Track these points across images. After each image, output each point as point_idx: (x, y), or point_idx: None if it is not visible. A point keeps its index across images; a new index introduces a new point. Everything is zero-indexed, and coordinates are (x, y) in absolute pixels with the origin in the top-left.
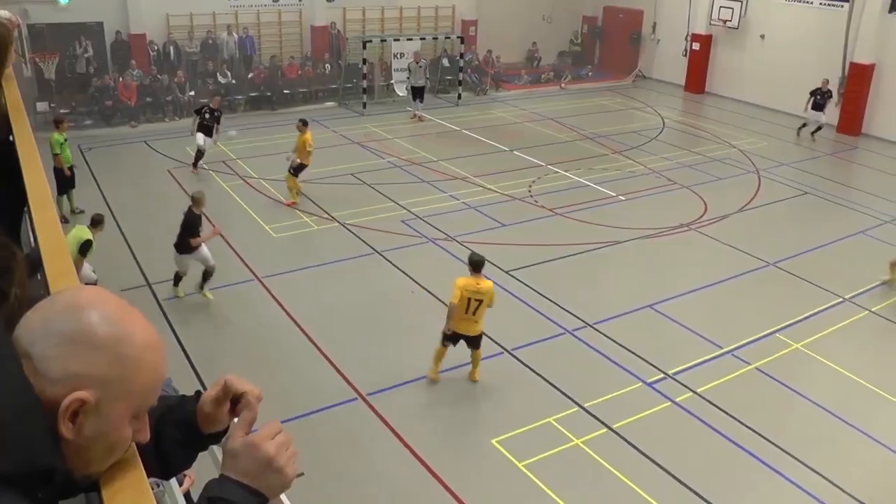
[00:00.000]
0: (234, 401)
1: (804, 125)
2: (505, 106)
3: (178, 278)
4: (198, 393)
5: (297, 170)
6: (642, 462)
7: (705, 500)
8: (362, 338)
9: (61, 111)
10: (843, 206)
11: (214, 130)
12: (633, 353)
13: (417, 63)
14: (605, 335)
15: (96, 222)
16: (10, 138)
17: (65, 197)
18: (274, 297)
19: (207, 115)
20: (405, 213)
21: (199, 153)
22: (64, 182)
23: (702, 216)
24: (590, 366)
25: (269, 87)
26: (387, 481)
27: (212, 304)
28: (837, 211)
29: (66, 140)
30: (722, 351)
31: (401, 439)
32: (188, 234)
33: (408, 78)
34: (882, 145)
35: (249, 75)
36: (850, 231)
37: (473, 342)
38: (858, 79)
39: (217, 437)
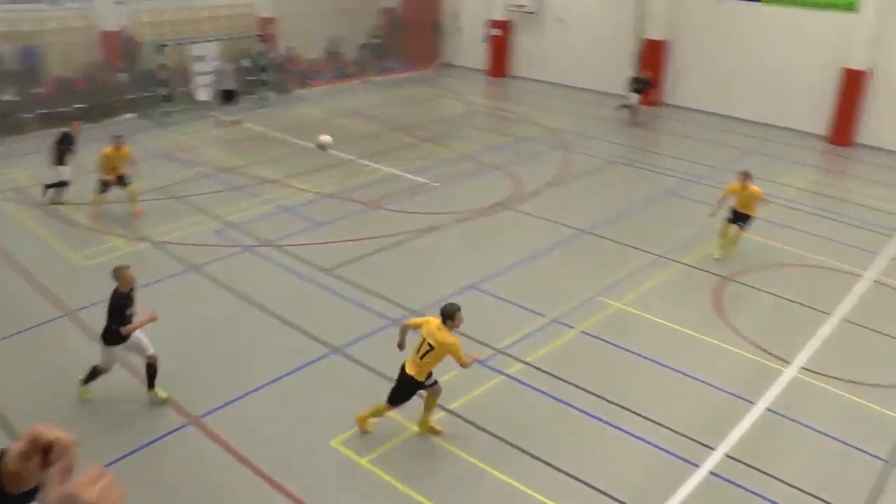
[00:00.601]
0: (46, 451)
1: (625, 106)
2: (311, 103)
3: (93, 375)
4: (1, 452)
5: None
6: (484, 438)
7: (551, 465)
8: (186, 358)
9: None
10: (651, 171)
11: (69, 159)
12: (461, 334)
13: (224, 65)
14: None
15: None
16: None
17: None
18: (85, 331)
19: (68, 143)
20: (219, 224)
21: (61, 185)
22: None
23: (516, 194)
24: None
25: (59, 101)
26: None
27: (16, 349)
28: (645, 176)
29: None
30: (547, 320)
31: (239, 457)
32: (117, 321)
33: (214, 82)
34: (684, 113)
35: (34, 90)
36: (658, 193)
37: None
38: (654, 54)
39: (30, 496)
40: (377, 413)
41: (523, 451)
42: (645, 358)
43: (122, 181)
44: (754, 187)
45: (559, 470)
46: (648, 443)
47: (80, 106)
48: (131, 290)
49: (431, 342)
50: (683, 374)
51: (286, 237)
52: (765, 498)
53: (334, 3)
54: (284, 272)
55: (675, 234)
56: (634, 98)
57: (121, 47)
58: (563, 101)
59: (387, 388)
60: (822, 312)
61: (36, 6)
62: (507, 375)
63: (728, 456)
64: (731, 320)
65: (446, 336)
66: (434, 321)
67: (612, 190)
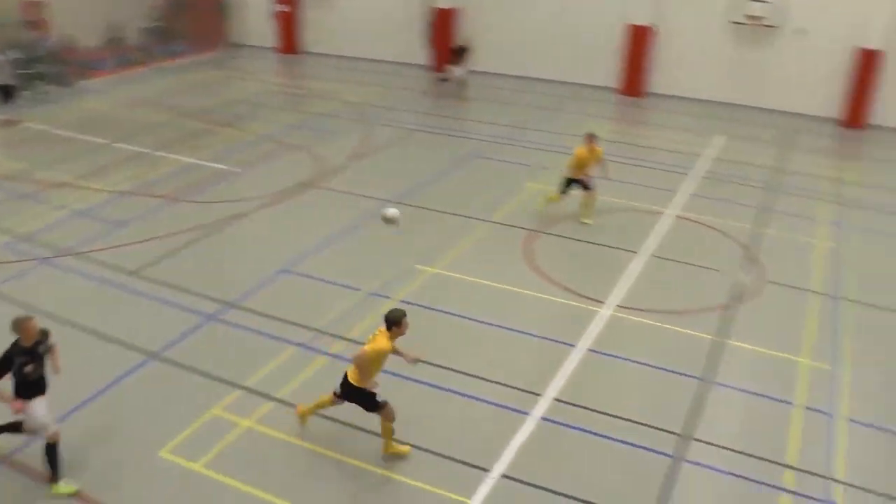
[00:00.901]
0: None
1: (445, 79)
2: (96, 95)
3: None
4: None
5: None
6: (318, 422)
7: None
8: None
9: None
10: (452, 136)
11: None
12: (280, 319)
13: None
14: (248, 310)
15: None
16: None
17: None
18: None
19: None
20: (8, 237)
21: None
22: None
23: (320, 172)
24: (239, 345)
25: None
26: None
27: None
28: (448, 141)
29: None
30: (364, 293)
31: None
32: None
33: None
34: (483, 77)
35: None
36: (461, 156)
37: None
38: (446, 21)
39: None
40: (322, 405)
41: (359, 429)
42: (466, 318)
43: None
44: (599, 149)
45: (401, 442)
46: (480, 399)
47: None
48: (36, 343)
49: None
50: (505, 328)
51: (85, 243)
52: (596, 433)
53: None
54: (87, 281)
55: (481, 194)
56: (458, 71)
57: None
58: (360, 74)
59: (212, 385)
60: (630, 252)
61: None
62: (330, 355)
63: (557, 400)
64: (544, 271)
65: (380, 340)
66: (381, 328)
67: (416, 158)
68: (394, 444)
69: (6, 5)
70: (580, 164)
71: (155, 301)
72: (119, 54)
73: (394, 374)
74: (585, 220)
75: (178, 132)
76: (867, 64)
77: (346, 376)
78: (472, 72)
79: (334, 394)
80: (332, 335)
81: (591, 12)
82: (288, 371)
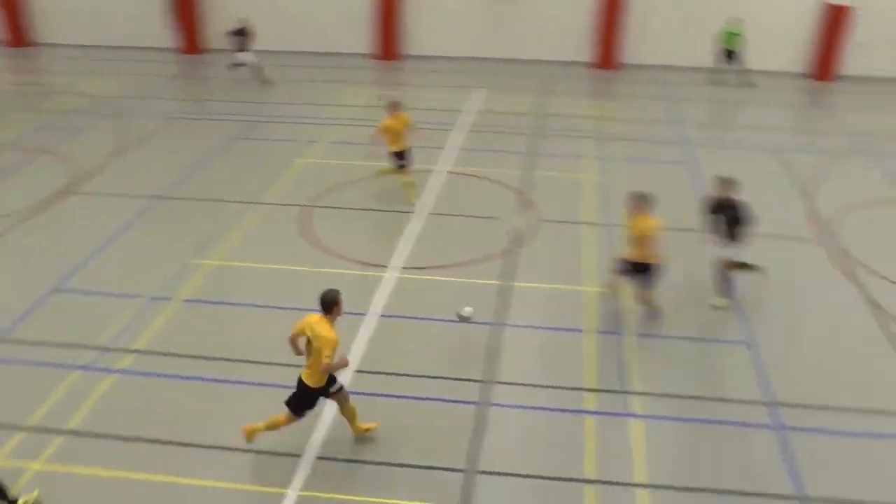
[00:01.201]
0: None
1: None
2: None
3: None
4: None
5: None
6: (117, 445)
7: (191, 444)
8: None
9: None
10: (211, 121)
11: None
12: (58, 345)
13: None
14: (19, 341)
15: None
16: None
17: None
18: None
19: None
20: None
21: None
22: None
23: (76, 176)
24: (16, 381)
25: None
26: None
27: None
28: (207, 127)
29: None
30: (144, 300)
31: None
32: None
33: None
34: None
35: None
36: (223, 141)
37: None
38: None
39: None
40: (274, 426)
41: (164, 443)
42: (253, 305)
43: None
44: (406, 115)
45: (204, 446)
46: (281, 386)
47: None
48: None
49: (310, 336)
50: (294, 308)
51: None
52: (402, 396)
53: None
54: None
55: (247, 177)
56: (247, 56)
57: None
58: (102, 63)
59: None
60: (406, 212)
61: None
62: (120, 371)
63: (358, 371)
64: (325, 244)
65: (324, 329)
66: (314, 316)
67: (177, 148)
68: (361, 427)
69: None
70: (395, 135)
71: None
72: None
73: (188, 377)
74: (412, 200)
75: None
76: (612, 6)
77: (302, 384)
78: (217, 51)
79: (292, 412)
80: (119, 350)
81: None
82: (75, 399)
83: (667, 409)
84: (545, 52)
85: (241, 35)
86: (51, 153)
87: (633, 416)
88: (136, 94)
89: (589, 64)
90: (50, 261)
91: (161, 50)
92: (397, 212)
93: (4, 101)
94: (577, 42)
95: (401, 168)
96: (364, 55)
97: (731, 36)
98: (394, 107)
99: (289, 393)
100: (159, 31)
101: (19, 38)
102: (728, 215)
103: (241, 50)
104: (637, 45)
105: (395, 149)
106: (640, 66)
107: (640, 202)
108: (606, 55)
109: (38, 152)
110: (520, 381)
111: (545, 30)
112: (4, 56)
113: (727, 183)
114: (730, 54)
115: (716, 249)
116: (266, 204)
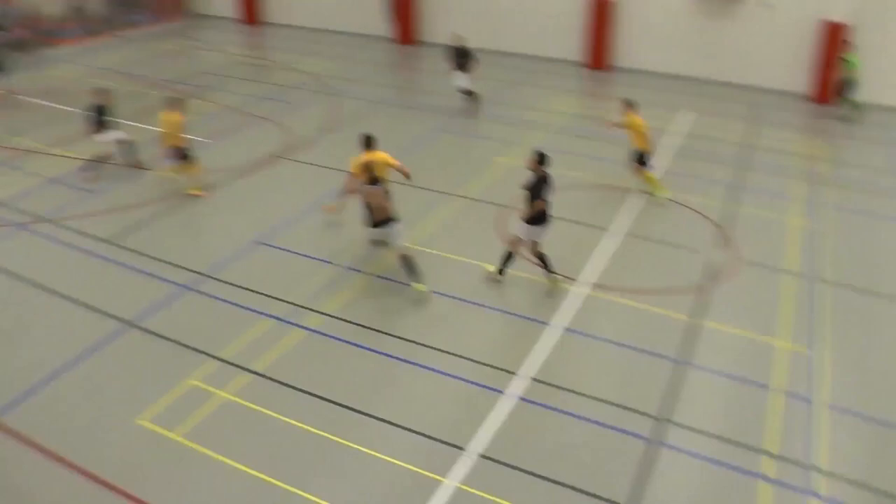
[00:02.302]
0: None
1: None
2: (62, 64)
3: None
4: None
5: None
6: (297, 395)
7: (370, 415)
8: None
9: None
10: (417, 111)
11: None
12: (256, 292)
13: None
14: (224, 281)
15: None
16: None
17: None
18: None
19: None
20: None
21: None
22: None
23: (290, 143)
24: (217, 316)
25: None
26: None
27: None
28: (413, 116)
29: None
30: (340, 268)
31: (45, 451)
32: None
33: None
34: (432, 50)
35: None
36: (427, 131)
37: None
38: None
39: None
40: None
41: (338, 405)
42: (439, 293)
43: None
44: (638, 118)
45: (375, 418)
46: (456, 377)
47: None
48: None
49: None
50: (480, 304)
51: (59, 210)
52: (572, 414)
53: None
54: (62, 247)
55: (448, 169)
56: (463, 80)
57: None
58: (323, 45)
59: (189, 355)
60: (602, 228)
61: None
62: (308, 328)
63: (534, 379)
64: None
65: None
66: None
67: (384, 131)
68: None
69: None
70: (641, 135)
71: (129, 270)
72: (83, 23)
73: (368, 348)
74: (659, 195)
75: (143, 102)
76: (833, 37)
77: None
78: (432, 44)
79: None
80: (309, 309)
81: None
82: (264, 344)
83: (859, 501)
84: (757, 77)
85: (462, 56)
86: (269, 120)
87: (816, 496)
88: (352, 77)
89: (805, 97)
90: (257, 215)
91: (379, 38)
92: (593, 227)
93: (233, 71)
94: (792, 70)
95: (642, 166)
96: (573, 62)
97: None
98: (628, 106)
99: (462, 384)
100: (378, 20)
101: (252, 16)
102: None
103: (461, 70)
104: (864, 80)
105: (644, 149)
106: (864, 105)
107: None
108: (824, 88)
109: (257, 118)
110: (695, 427)
111: (758, 54)
112: (238, 32)
113: None
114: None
115: None
116: (464, 197)
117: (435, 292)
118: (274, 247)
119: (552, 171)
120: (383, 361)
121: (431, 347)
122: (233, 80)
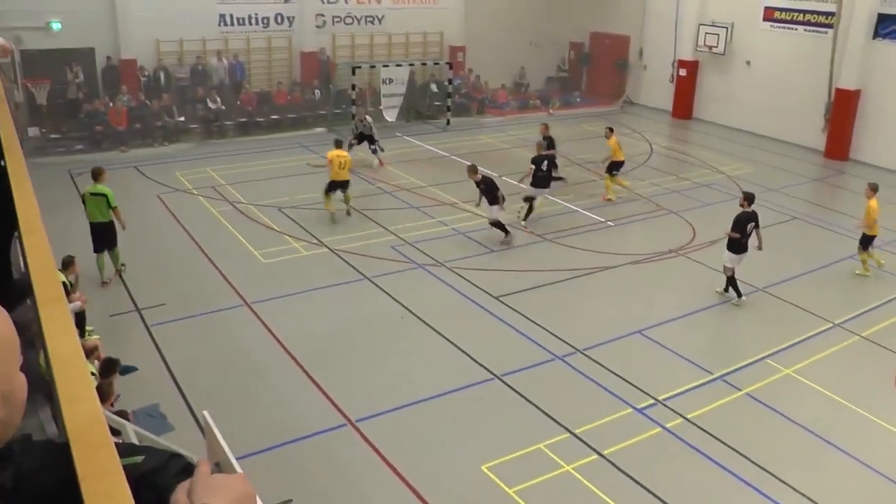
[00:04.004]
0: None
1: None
2: (492, 131)
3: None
4: (187, 465)
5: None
6: (633, 488)
7: None
8: (351, 363)
9: (52, 136)
10: (831, 231)
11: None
12: (623, 379)
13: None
14: (595, 361)
15: (66, 264)
16: (2, 163)
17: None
18: (263, 322)
19: None
20: (395, 239)
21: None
22: (105, 239)
23: (691, 241)
24: (580, 392)
25: (258, 112)
26: None
27: (200, 328)
28: (825, 235)
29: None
30: (712, 377)
31: (390, 465)
32: None
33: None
34: (868, 170)
35: (237, 102)
36: (839, 255)
37: None
38: (844, 104)
39: None
40: None
41: None
42: (813, 433)
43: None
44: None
45: None
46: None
47: (275, 117)
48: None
49: None
50: (855, 458)
51: (458, 259)
52: None
53: (524, 35)
54: (452, 293)
55: (854, 301)
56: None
57: (317, 67)
58: (745, 147)
59: (544, 420)
60: None
61: (247, 28)
62: (665, 428)
63: None
64: None
65: None
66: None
67: (789, 247)
68: None
69: (437, 49)
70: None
71: (510, 327)
72: (520, 98)
73: (722, 465)
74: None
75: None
76: None
77: None
78: (861, 163)
79: None
80: (673, 410)
81: None
82: (620, 431)
83: None
84: None
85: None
86: (676, 214)
87: None
88: (767, 185)
89: None
90: (642, 304)
91: (807, 149)
92: None
93: (653, 161)
94: None
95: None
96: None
97: None
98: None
99: None
100: (813, 132)
101: (683, 111)
102: None
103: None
104: None
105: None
106: None
107: None
108: None
109: (666, 211)
110: None
111: None
112: (667, 124)
113: None
114: None
115: None
116: (862, 337)
117: (808, 430)
118: (651, 339)
119: None
120: (733, 483)
121: (787, 484)
122: (649, 169)
